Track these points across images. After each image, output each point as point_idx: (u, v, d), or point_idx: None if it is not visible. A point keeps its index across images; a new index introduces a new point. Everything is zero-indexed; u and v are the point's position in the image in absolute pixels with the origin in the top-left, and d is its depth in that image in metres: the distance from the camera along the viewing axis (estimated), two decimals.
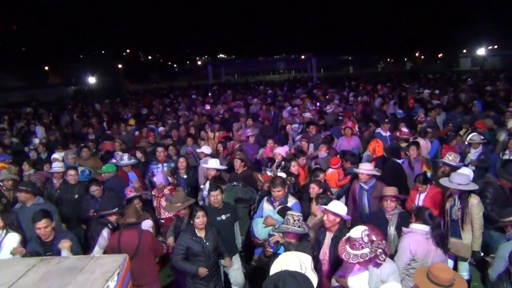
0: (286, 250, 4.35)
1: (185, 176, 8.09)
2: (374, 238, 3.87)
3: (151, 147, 9.96)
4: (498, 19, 46.19)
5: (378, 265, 3.85)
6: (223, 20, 69.85)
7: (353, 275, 4.03)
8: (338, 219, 4.69)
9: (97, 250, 5.26)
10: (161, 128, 12.63)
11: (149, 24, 64.86)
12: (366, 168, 6.37)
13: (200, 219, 5.17)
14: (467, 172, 5.95)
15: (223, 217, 5.84)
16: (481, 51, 48.58)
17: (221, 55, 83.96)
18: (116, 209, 5.72)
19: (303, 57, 49.34)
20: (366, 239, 3.81)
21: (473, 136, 7.85)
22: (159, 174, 7.67)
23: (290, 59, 56.25)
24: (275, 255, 4.46)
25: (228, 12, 70.04)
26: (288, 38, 68.70)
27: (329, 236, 4.70)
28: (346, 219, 4.81)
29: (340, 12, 68.38)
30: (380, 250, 3.84)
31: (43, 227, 4.91)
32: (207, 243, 5.19)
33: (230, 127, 12.29)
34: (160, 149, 8.65)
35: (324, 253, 4.67)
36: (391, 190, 5.38)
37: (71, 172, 7.43)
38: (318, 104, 16.50)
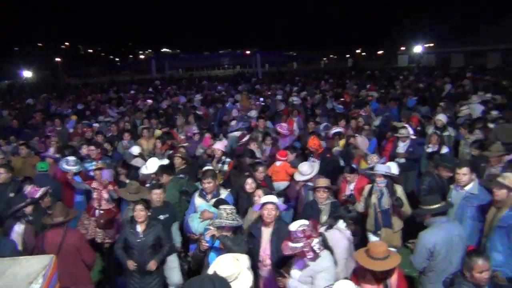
0: (222, 243, 4.39)
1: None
2: (310, 232, 3.95)
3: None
4: (434, 18, 48.51)
5: (313, 259, 3.92)
6: (167, 13, 68.63)
7: (296, 268, 4.11)
8: (277, 212, 4.75)
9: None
10: (95, 125, 12.25)
11: (89, 17, 62.58)
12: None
13: (137, 212, 5.12)
14: (392, 165, 6.22)
15: (161, 217, 5.76)
16: (418, 49, 50.80)
17: (165, 49, 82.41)
18: (29, 200, 5.59)
19: (248, 52, 49.45)
20: (300, 234, 3.90)
21: (401, 130, 8.20)
22: (105, 171, 7.55)
23: (235, 54, 56.27)
24: (211, 249, 4.53)
25: (173, 5, 68.90)
26: (233, 33, 68.69)
27: (267, 231, 4.73)
28: (281, 209, 4.91)
29: (284, 8, 69.17)
30: (315, 245, 3.92)
31: None
32: (144, 238, 5.11)
33: (174, 123, 12.16)
34: (91, 147, 8.46)
35: (265, 248, 4.70)
36: (323, 182, 5.53)
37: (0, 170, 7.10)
38: (261, 99, 16.63)
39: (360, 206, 6.02)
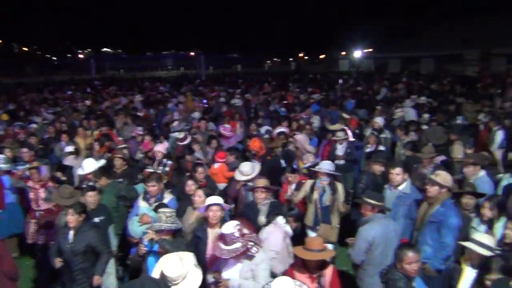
0: (160, 247, 4.29)
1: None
2: (245, 231, 4.01)
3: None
4: (372, 25, 50.53)
5: (250, 257, 3.97)
6: (109, 12, 66.50)
7: (227, 268, 4.10)
8: (222, 213, 4.75)
9: None
10: (33, 125, 11.64)
11: (25, 14, 59.36)
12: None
13: (68, 216, 4.91)
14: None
15: (97, 219, 5.54)
16: (357, 54, 52.63)
17: (106, 49, 79.84)
18: None
19: (192, 54, 49.12)
20: (237, 233, 3.92)
21: (338, 133, 8.44)
22: (43, 167, 7.26)
23: (179, 56, 55.72)
24: (150, 253, 4.44)
25: (115, 5, 66.87)
26: (177, 35, 67.80)
27: (212, 232, 4.69)
28: (226, 209, 4.91)
29: (229, 11, 69.33)
30: (251, 243, 4.00)
31: None
32: (73, 244, 4.89)
33: (113, 124, 11.83)
34: (24, 149, 8.07)
35: (211, 250, 4.64)
36: (261, 182, 5.54)
37: None
38: (204, 101, 16.55)
39: (299, 196, 6.19)
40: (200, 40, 64.66)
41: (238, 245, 3.90)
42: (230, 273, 4.08)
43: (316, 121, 11.40)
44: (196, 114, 12.40)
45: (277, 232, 4.77)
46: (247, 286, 4.01)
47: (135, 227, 5.44)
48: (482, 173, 5.88)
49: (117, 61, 52.28)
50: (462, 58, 38.30)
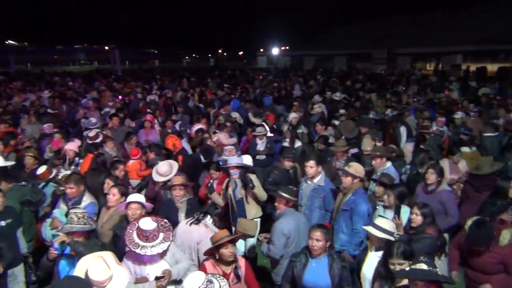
0: (72, 250, 4.08)
1: None
2: (162, 222, 4.03)
3: None
4: (288, 22, 52.04)
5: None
6: (13, 2, 61.53)
7: (151, 265, 4.02)
8: (142, 212, 4.65)
9: None
10: None
11: None
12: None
13: None
14: (245, 157, 6.54)
15: (3, 223, 5.13)
16: (275, 51, 53.82)
17: (10, 41, 73.90)
18: None
19: (106, 48, 47.08)
20: (155, 225, 3.92)
21: (258, 128, 8.58)
22: None
23: (92, 49, 53.22)
24: (61, 256, 4.20)
25: None
26: (90, 27, 64.55)
27: None
28: (147, 208, 4.79)
29: (147, 4, 67.48)
30: (170, 233, 4.02)
31: None
32: None
33: (18, 122, 11.14)
34: None
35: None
36: (178, 179, 5.46)
37: None
38: (119, 97, 15.99)
39: (219, 200, 6.14)
40: (115, 33, 62.22)
41: (161, 235, 3.92)
42: (155, 268, 4.00)
43: (236, 116, 11.46)
44: (107, 110, 12.11)
45: (210, 233, 4.69)
46: (183, 268, 4.06)
47: (47, 230, 5.17)
48: (389, 164, 6.27)
49: (23, 54, 48.61)
50: (371, 57, 40.79)
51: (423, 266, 3.05)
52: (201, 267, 4.05)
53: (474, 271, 4.39)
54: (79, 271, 3.37)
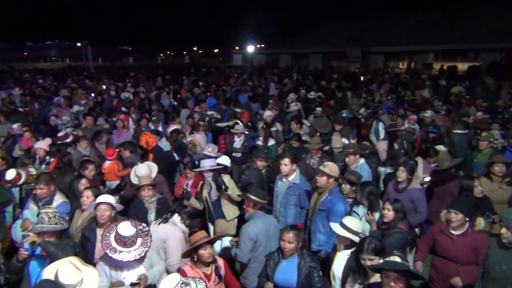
0: (43, 250, 3.98)
1: None
2: (140, 227, 3.97)
3: None
4: (264, 21, 52.11)
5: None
6: None
7: (128, 270, 3.95)
8: (111, 213, 4.58)
9: None
10: None
11: None
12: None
13: None
14: (221, 158, 6.48)
15: None
16: (250, 49, 53.81)
17: None
18: None
19: (79, 44, 46.15)
20: (134, 231, 3.87)
21: (236, 126, 8.58)
22: None
23: (64, 46, 52.14)
24: (32, 257, 4.09)
25: None
26: (62, 23, 63.06)
27: (101, 232, 4.42)
28: (117, 209, 4.71)
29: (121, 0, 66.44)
30: (149, 238, 3.96)
31: None
32: None
33: None
34: None
35: (99, 251, 4.37)
36: (145, 180, 5.39)
37: None
38: (92, 95, 15.71)
39: (195, 203, 6.08)
40: (87, 30, 60.90)
41: (139, 240, 3.88)
42: (132, 273, 3.94)
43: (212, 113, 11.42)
44: (76, 108, 11.97)
45: (178, 231, 4.70)
46: (158, 271, 4.04)
47: (17, 231, 5.08)
48: (362, 161, 6.37)
49: None
50: (346, 55, 41.21)
51: (397, 259, 3.11)
52: (180, 272, 3.95)
53: (444, 260, 4.45)
54: (47, 276, 3.28)
